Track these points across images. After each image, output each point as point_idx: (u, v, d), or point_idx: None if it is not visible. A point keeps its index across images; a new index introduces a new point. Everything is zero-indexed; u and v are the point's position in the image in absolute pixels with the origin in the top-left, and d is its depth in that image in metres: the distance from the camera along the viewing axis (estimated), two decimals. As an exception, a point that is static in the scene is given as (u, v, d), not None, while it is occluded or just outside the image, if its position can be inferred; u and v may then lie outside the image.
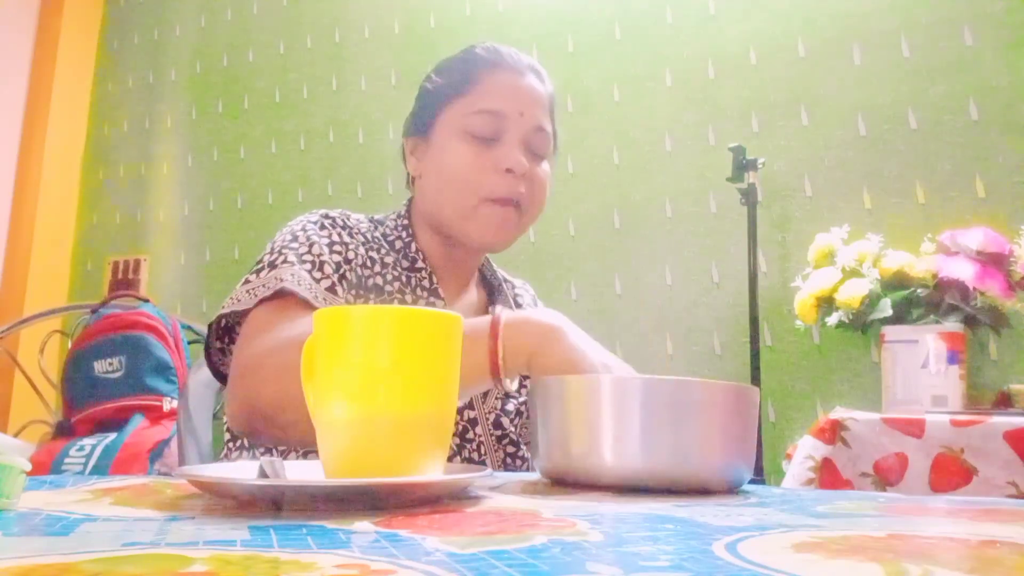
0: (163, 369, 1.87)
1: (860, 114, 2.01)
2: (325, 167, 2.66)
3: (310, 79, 2.75)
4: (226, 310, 0.83)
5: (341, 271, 0.87)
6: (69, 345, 1.98)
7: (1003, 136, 1.87)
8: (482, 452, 0.90)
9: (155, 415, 1.82)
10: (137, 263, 2.88)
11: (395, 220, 0.98)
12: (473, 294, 1.02)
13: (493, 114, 0.89)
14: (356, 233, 0.92)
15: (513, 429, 0.95)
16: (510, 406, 0.96)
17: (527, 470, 0.95)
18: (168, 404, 1.84)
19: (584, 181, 2.30)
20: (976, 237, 1.64)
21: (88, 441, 1.74)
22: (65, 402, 1.91)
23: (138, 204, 2.95)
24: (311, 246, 0.86)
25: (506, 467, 0.93)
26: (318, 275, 0.84)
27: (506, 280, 1.08)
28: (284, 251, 0.85)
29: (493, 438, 0.92)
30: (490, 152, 0.89)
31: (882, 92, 2.00)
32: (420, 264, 0.94)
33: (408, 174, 1.00)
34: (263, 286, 0.81)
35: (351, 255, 0.89)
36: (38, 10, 3.01)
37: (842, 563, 0.30)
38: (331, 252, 0.87)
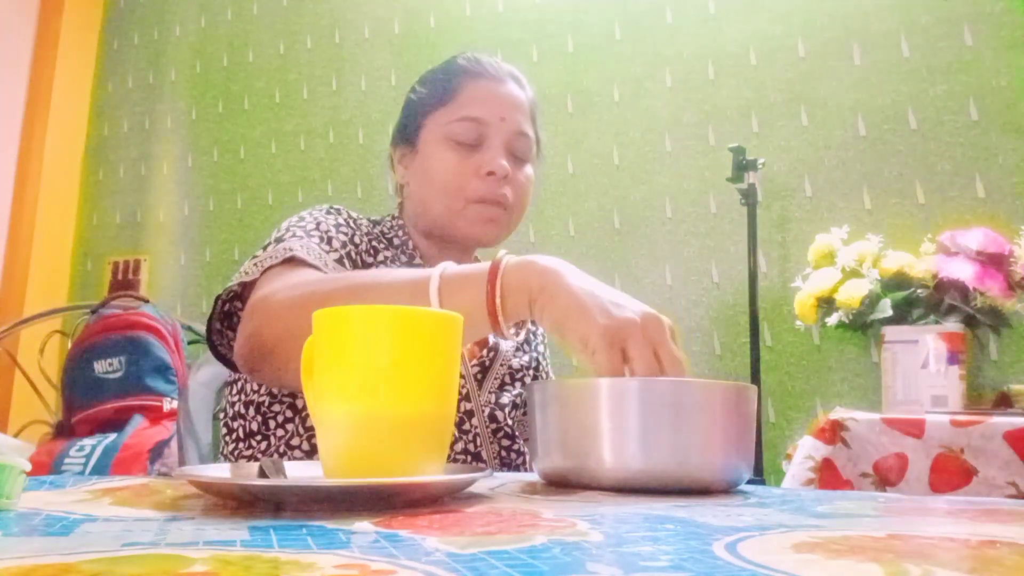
0: (163, 369, 1.87)
1: (860, 114, 2.01)
2: (325, 167, 2.66)
3: (310, 79, 2.75)
4: (234, 283, 0.83)
5: (347, 249, 0.89)
6: (69, 345, 1.98)
7: (1003, 136, 1.87)
8: (477, 444, 0.91)
9: (155, 415, 1.82)
10: (137, 263, 2.88)
11: (391, 221, 1.01)
12: None
13: (475, 121, 0.94)
14: (360, 223, 0.96)
15: (509, 422, 0.96)
16: (505, 399, 0.97)
17: (523, 464, 0.96)
18: (168, 404, 1.84)
19: (584, 181, 2.30)
20: (976, 237, 1.64)
21: (88, 441, 1.74)
22: (65, 402, 1.91)
23: (138, 204, 2.95)
24: (318, 224, 0.89)
25: (502, 460, 0.94)
26: (326, 247, 0.86)
27: None
28: (292, 228, 0.88)
29: (489, 431, 0.93)
30: (473, 157, 0.93)
31: (882, 92, 2.00)
32: (418, 260, 0.97)
33: (396, 182, 1.04)
34: (271, 257, 0.83)
35: (357, 239, 0.92)
36: (38, 10, 3.01)
37: (842, 563, 0.30)
38: (337, 231, 0.90)
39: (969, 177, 1.88)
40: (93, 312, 1.97)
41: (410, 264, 0.96)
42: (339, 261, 0.86)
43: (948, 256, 1.65)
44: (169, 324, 1.93)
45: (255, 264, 0.83)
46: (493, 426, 0.94)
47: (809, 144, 2.05)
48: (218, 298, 0.85)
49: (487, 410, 0.94)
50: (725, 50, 2.19)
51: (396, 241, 0.98)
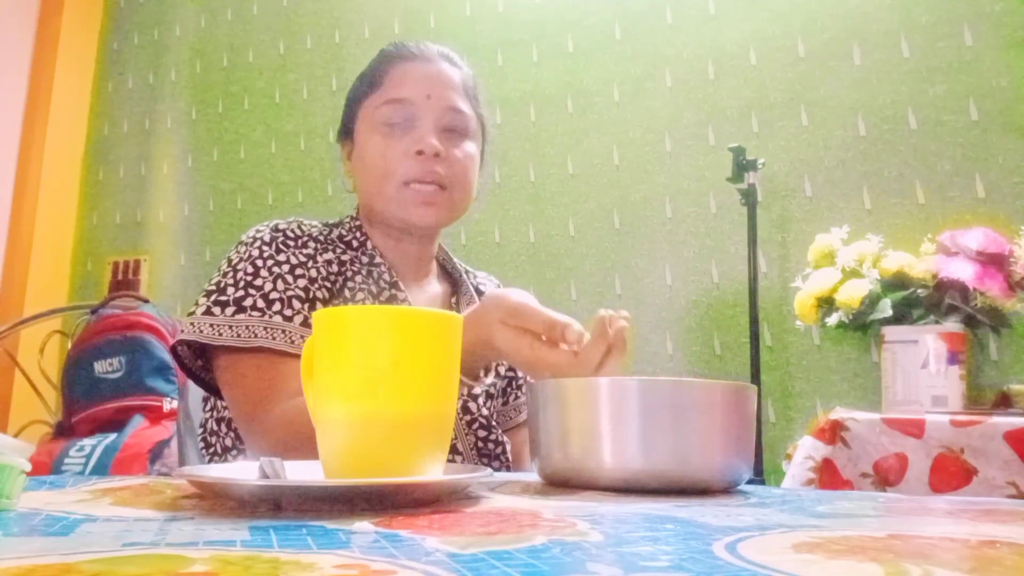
0: (163, 369, 1.87)
1: (860, 114, 2.01)
2: (325, 167, 2.66)
3: (310, 79, 2.75)
4: (188, 336, 0.84)
5: (310, 294, 0.88)
6: (69, 345, 1.98)
7: (1003, 136, 1.87)
8: (453, 437, 0.91)
9: (155, 415, 1.82)
10: (137, 263, 2.88)
11: (349, 222, 1.01)
12: (435, 286, 1.04)
13: (400, 102, 0.93)
14: (310, 241, 0.93)
15: (484, 412, 0.96)
16: (477, 390, 0.97)
17: (503, 454, 0.96)
18: (168, 404, 1.84)
19: (584, 181, 2.30)
20: (976, 237, 1.63)
21: (88, 441, 1.74)
22: (65, 402, 1.91)
23: (138, 204, 2.95)
24: (276, 280, 0.87)
25: (479, 452, 0.94)
26: (289, 312, 0.85)
27: (467, 271, 1.10)
28: (250, 291, 0.85)
29: (463, 423, 0.93)
30: (403, 138, 0.93)
31: (882, 92, 2.00)
32: (378, 259, 0.96)
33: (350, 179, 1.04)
34: (230, 328, 0.82)
35: (314, 273, 0.90)
36: (38, 10, 3.01)
37: (842, 563, 0.30)
38: (295, 279, 0.88)
39: (969, 177, 1.88)
40: (93, 312, 1.97)
41: (370, 264, 0.96)
42: (304, 323, 0.85)
43: (948, 256, 1.65)
44: (169, 324, 1.93)
45: (212, 326, 0.83)
46: (467, 417, 0.94)
47: (809, 144, 2.05)
48: (174, 347, 0.87)
49: (460, 401, 0.94)
50: (725, 50, 2.19)
51: (355, 243, 0.98)
